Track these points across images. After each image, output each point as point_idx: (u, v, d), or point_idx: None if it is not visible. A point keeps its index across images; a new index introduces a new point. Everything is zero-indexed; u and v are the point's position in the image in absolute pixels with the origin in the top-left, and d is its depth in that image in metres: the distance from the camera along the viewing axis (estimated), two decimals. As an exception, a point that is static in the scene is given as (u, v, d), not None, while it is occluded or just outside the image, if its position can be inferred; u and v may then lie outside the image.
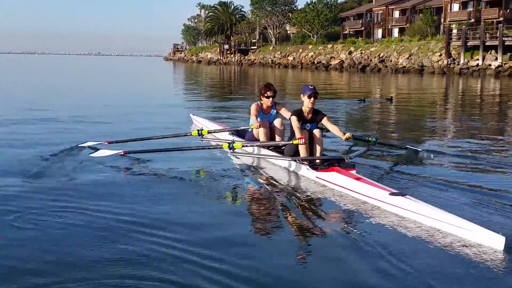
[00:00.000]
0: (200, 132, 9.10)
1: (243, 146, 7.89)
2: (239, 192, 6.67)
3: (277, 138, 8.34)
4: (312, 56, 71.37)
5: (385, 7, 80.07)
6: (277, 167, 7.85)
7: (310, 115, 7.66)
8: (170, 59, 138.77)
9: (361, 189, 6.28)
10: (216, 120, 12.16)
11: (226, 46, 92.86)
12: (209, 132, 9.41)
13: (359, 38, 77.00)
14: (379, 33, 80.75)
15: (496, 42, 45.51)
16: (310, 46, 75.03)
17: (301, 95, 7.66)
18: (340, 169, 6.92)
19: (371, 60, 59.83)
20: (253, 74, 54.09)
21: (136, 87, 31.90)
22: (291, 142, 7.43)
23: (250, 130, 8.80)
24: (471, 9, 65.27)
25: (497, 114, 17.13)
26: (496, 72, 43.54)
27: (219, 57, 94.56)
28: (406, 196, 5.77)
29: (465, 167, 7.98)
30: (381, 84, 36.43)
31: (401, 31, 76.80)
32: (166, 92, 27.52)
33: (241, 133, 9.34)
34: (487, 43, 46.23)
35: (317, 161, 7.31)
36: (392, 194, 5.85)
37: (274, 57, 79.79)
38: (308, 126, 7.60)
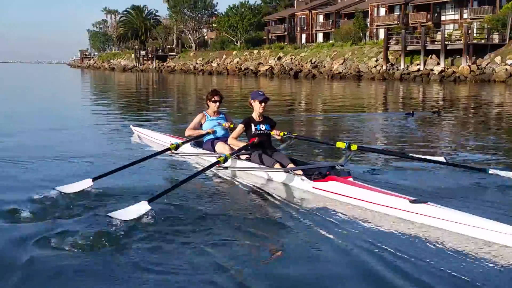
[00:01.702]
0: (178, 145, 8.51)
1: (232, 157, 7.57)
2: (236, 209, 6.21)
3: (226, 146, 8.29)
4: (238, 62, 68.32)
5: (308, 12, 78.53)
6: (263, 178, 7.48)
7: (261, 119, 7.73)
8: (78, 66, 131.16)
9: (374, 198, 6.04)
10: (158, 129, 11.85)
11: (143, 52, 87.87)
12: (183, 143, 8.75)
13: (282, 43, 74.90)
14: (303, 38, 79.08)
15: (437, 47, 44.27)
16: (235, 52, 71.97)
17: (251, 101, 7.72)
18: (337, 177, 6.66)
19: (302, 66, 57.54)
20: (178, 81, 50.74)
21: (56, 101, 26.25)
22: (246, 145, 7.54)
23: (205, 140, 8.73)
24: (398, 13, 64.78)
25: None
26: (440, 78, 42.17)
27: (135, 64, 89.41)
28: (428, 203, 5.63)
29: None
30: (333, 91, 33.96)
31: (326, 36, 75.48)
32: (87, 106, 23.13)
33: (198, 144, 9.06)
34: (428, 47, 44.90)
35: (299, 171, 7.14)
36: (413, 202, 5.67)
37: (196, 63, 76.04)
38: (262, 127, 7.67)
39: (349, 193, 6.34)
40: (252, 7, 74.96)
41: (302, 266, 4.41)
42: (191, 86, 42.16)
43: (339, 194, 6.43)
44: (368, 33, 66.26)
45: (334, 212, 5.93)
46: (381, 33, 66.19)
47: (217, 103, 8.70)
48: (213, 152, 8.33)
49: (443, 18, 60.59)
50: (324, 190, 6.62)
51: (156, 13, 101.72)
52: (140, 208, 5.79)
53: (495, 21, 45.56)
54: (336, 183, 6.55)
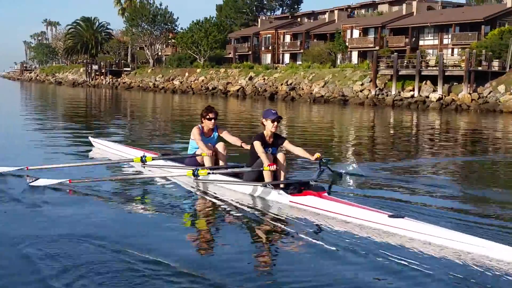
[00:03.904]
0: (143, 158, 8.73)
1: (208, 173, 7.69)
2: (214, 225, 6.44)
3: (220, 162, 8.37)
4: (203, 81, 64.02)
5: (274, 31, 75.32)
6: (240, 193, 7.66)
7: (271, 139, 7.68)
8: (18, 78, 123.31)
9: (353, 213, 6.40)
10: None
11: (95, 67, 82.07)
12: (153, 159, 8.89)
13: (245, 62, 71.24)
14: (267, 57, 75.72)
15: (434, 72, 41.58)
16: (199, 70, 67.61)
17: (263, 120, 7.66)
18: (314, 192, 6.99)
19: (277, 88, 53.93)
20: (140, 100, 46.53)
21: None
22: (261, 168, 7.34)
23: (191, 155, 8.75)
24: (373, 36, 62.43)
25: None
26: (439, 106, 39.36)
27: (86, 79, 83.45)
28: (405, 218, 6.11)
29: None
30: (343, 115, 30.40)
31: (293, 56, 72.39)
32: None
33: (178, 160, 9.10)
34: (423, 73, 42.16)
35: (281, 185, 7.28)
36: (391, 216, 6.08)
37: (156, 80, 71.14)
38: (269, 150, 7.60)
39: (328, 207, 6.69)
40: (218, 23, 70.75)
41: (291, 278, 4.63)
42: (158, 105, 39.60)
43: (318, 208, 6.76)
44: (340, 55, 63.55)
45: (313, 226, 6.34)
46: (354, 56, 63.72)
47: (212, 121, 8.60)
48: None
49: (421, 42, 58.53)
50: (302, 204, 6.93)
51: (108, 26, 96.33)
52: (59, 180, 7.80)
53: (483, 48, 43.46)
54: (313, 197, 6.90)
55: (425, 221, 6.16)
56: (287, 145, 7.83)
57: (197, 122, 9.31)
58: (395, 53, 45.23)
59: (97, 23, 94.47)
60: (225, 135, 8.77)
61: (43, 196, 7.41)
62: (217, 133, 8.73)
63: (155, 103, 42.88)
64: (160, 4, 78.50)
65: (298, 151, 7.83)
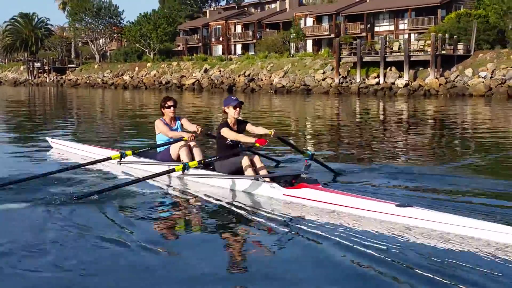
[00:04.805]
0: (123, 154, 8.43)
1: (199, 165, 7.35)
2: (210, 224, 6.09)
3: (196, 156, 8.02)
4: (155, 75, 61.66)
5: (224, 21, 73.57)
6: (225, 187, 7.37)
7: (235, 126, 7.54)
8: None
9: (358, 203, 6.16)
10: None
11: (37, 64, 78.12)
12: (133, 154, 8.58)
13: (194, 54, 69.26)
14: (219, 49, 73.92)
15: (399, 58, 40.88)
16: (149, 64, 65.09)
17: (225, 108, 7.50)
18: (308, 184, 6.74)
19: (235, 79, 52.31)
20: (89, 96, 43.90)
21: None
22: (254, 142, 6.98)
23: (160, 150, 8.50)
24: (327, 23, 61.62)
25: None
26: (408, 92, 38.67)
27: (28, 77, 79.41)
28: (414, 206, 5.88)
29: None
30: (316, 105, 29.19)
31: (245, 47, 70.87)
32: None
33: (145, 154, 8.75)
34: (388, 59, 41.41)
35: (267, 179, 7.06)
36: (399, 205, 5.88)
37: (104, 76, 68.21)
38: None
39: (328, 199, 6.38)
40: (167, 15, 68.26)
41: (301, 273, 4.45)
42: (110, 101, 37.43)
43: (317, 201, 6.45)
44: (293, 44, 62.41)
45: (314, 219, 5.99)
46: (309, 44, 62.76)
47: (172, 108, 8.44)
48: (164, 162, 8.18)
49: (376, 29, 58.08)
50: (297, 197, 6.63)
51: (48, 22, 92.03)
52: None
53: (442, 32, 43.12)
54: (310, 190, 6.61)
55: (433, 208, 5.98)
56: (249, 127, 7.64)
57: (156, 116, 8.81)
58: (358, 40, 44.26)
59: (36, 19, 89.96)
60: (185, 123, 8.57)
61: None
62: (179, 122, 8.57)
63: (107, 100, 40.69)
64: (104, -3, 75.12)
65: (258, 130, 7.58)
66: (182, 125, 8.58)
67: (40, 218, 6.04)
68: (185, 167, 7.20)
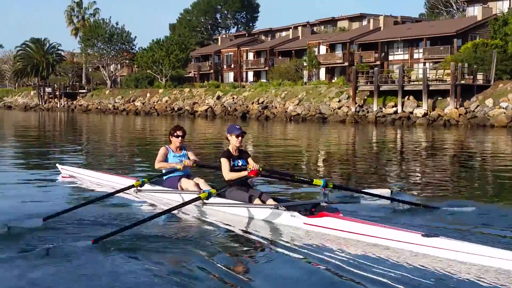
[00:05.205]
0: (143, 182, 8.45)
1: (217, 193, 7.21)
2: (232, 255, 5.82)
3: (201, 185, 8.06)
4: (167, 101, 61.38)
5: (236, 49, 73.53)
6: (244, 216, 7.21)
7: (236, 152, 7.72)
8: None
9: (382, 233, 5.94)
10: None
11: (49, 89, 78.06)
12: (149, 181, 8.61)
13: (205, 81, 69.11)
14: (230, 76, 73.76)
15: (418, 87, 40.38)
16: (161, 90, 64.89)
17: (228, 135, 7.73)
18: (329, 213, 6.55)
19: (248, 107, 51.93)
20: (102, 124, 43.34)
21: None
22: (246, 175, 7.24)
23: (166, 178, 8.47)
24: (341, 52, 61.42)
25: None
26: (427, 122, 38.06)
27: (38, 102, 79.33)
28: (440, 236, 5.68)
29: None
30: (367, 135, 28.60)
31: (257, 74, 70.67)
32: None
33: (159, 182, 8.66)
34: (405, 88, 40.92)
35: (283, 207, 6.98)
36: (425, 235, 5.67)
37: (116, 102, 68.01)
38: (239, 162, 7.65)
39: (351, 229, 6.19)
40: (180, 42, 68.24)
41: None
42: (122, 127, 37.09)
43: (339, 230, 6.26)
44: (306, 72, 62.17)
45: (336, 249, 5.84)
46: (322, 72, 62.49)
47: (180, 138, 8.57)
48: (182, 191, 8.15)
49: (391, 57, 57.77)
50: (319, 226, 6.47)
51: (59, 47, 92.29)
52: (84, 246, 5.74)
53: (459, 62, 42.62)
54: (331, 218, 6.44)
55: (459, 239, 5.81)
56: (250, 161, 7.70)
57: (167, 142, 9.00)
58: (376, 68, 43.88)
59: (47, 44, 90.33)
60: (191, 155, 8.67)
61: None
62: (185, 151, 8.71)
63: (118, 126, 40.50)
64: (117, 23, 75.33)
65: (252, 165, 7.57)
66: (187, 154, 8.66)
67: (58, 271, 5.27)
68: (210, 195, 7.06)
